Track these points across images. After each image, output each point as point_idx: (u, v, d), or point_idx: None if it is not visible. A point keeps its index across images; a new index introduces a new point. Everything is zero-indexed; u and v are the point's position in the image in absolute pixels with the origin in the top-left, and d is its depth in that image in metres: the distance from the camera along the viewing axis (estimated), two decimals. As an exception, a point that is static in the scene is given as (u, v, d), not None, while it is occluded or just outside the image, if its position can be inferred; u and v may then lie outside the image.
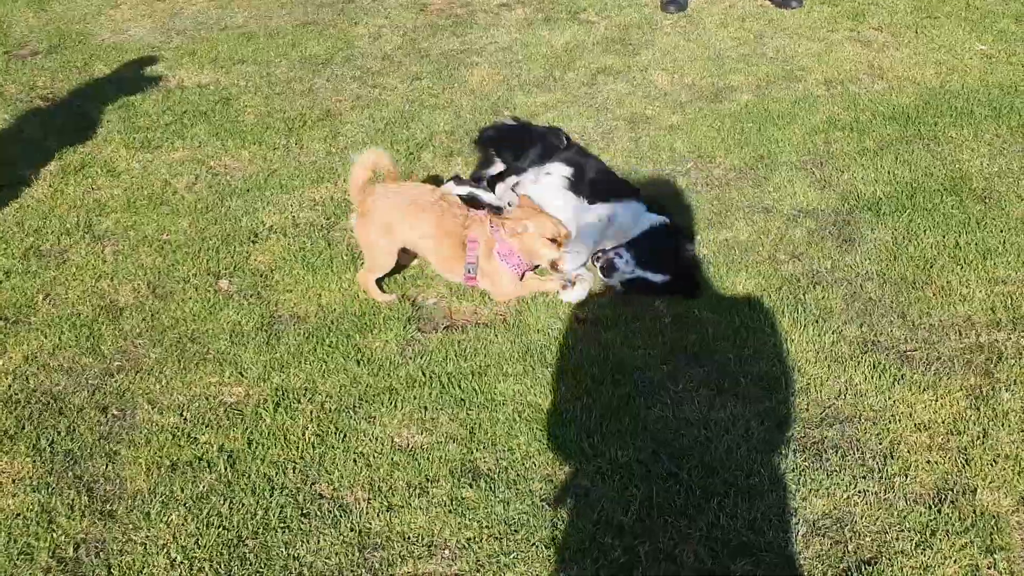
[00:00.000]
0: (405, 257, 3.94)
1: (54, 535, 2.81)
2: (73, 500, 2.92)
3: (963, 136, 4.85)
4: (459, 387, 3.34)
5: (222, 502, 2.92)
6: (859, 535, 2.75)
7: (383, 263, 3.79)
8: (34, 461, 3.07)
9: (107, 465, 3.06)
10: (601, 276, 3.86)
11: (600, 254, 3.89)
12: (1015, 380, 3.28)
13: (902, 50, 5.90)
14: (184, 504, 2.91)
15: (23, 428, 3.20)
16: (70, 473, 3.03)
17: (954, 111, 5.11)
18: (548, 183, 4.16)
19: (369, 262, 3.81)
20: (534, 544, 2.76)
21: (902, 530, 2.76)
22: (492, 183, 4.40)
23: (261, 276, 3.96)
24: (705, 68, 5.77)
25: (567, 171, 4.18)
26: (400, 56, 6.11)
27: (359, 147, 4.94)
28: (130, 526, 2.84)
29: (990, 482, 2.90)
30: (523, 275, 3.80)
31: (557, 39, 6.29)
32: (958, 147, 4.75)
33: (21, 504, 2.91)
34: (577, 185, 4.14)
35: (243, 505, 2.91)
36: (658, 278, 3.78)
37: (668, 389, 3.31)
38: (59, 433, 3.18)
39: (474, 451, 3.08)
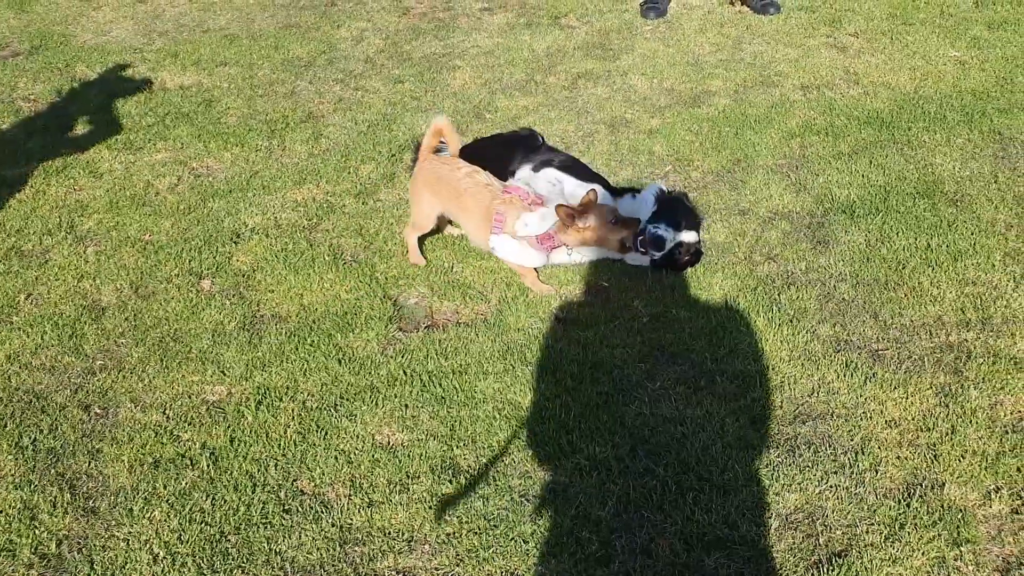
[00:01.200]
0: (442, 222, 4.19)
1: (36, 532, 2.83)
2: (56, 497, 2.95)
3: (936, 141, 4.94)
4: (440, 385, 3.38)
5: (204, 498, 2.95)
6: (830, 528, 2.82)
7: (422, 222, 4.07)
8: (16, 459, 3.09)
9: (90, 462, 3.09)
10: (653, 253, 3.93)
11: (640, 236, 3.94)
12: (983, 378, 3.35)
13: (877, 56, 6.00)
14: (167, 500, 2.94)
15: (5, 426, 3.22)
16: (53, 470, 3.05)
17: (927, 116, 5.20)
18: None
19: (412, 218, 4.11)
20: (513, 539, 2.80)
21: (872, 523, 2.83)
22: None
23: (243, 276, 3.99)
24: (684, 73, 5.84)
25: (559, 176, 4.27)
26: (382, 59, 6.16)
27: (341, 149, 4.99)
28: (113, 522, 2.87)
29: (958, 477, 2.97)
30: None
31: (538, 43, 6.35)
32: (931, 151, 4.84)
33: (3, 502, 2.93)
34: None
35: (225, 501, 2.94)
36: (692, 237, 3.94)
37: (646, 387, 3.37)
38: (42, 431, 3.20)
39: (454, 448, 3.13)
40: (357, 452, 3.12)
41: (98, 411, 3.30)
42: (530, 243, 3.85)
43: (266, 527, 2.86)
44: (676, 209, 3.99)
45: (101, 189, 4.65)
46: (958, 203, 4.39)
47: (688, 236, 3.94)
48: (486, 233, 3.90)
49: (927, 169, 4.68)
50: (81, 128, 5.27)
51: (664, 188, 4.15)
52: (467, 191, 3.92)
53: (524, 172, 4.30)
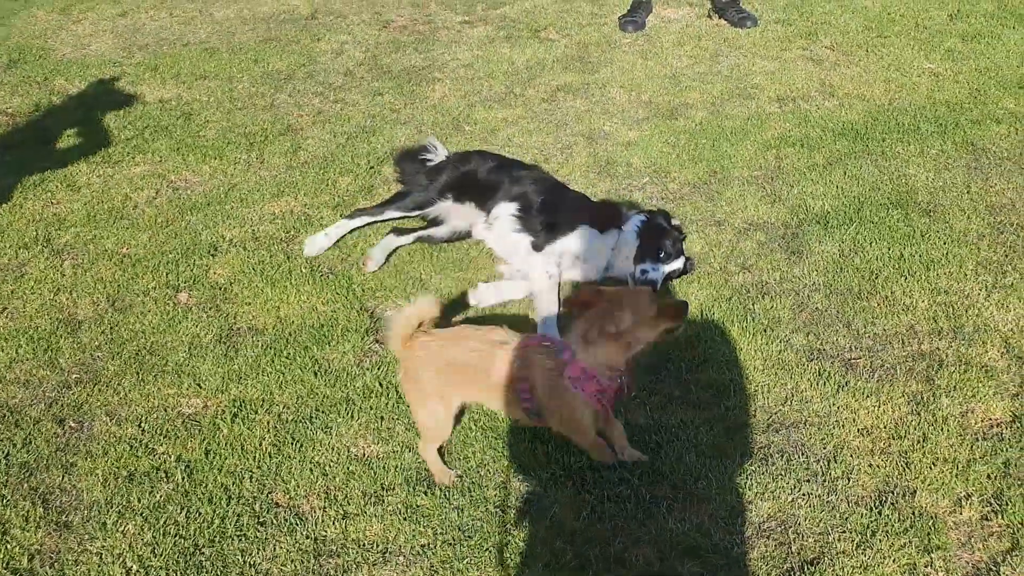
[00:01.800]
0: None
1: (8, 547, 2.82)
2: (28, 512, 2.94)
3: (910, 152, 5.00)
4: (416, 397, 3.39)
5: (179, 511, 2.95)
6: (802, 536, 2.84)
7: (438, 432, 3.07)
8: (-11, 473, 3.08)
9: (63, 476, 3.07)
10: None
11: (630, 279, 3.96)
12: (955, 386, 3.39)
13: (852, 68, 6.06)
14: (141, 514, 2.94)
15: (-22, 441, 3.21)
16: (25, 485, 3.04)
17: (901, 128, 5.26)
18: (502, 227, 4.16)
19: (421, 431, 3.10)
20: (487, 550, 2.81)
21: (844, 531, 2.85)
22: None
23: (220, 289, 3.99)
24: (662, 86, 5.89)
25: (514, 208, 4.17)
26: (362, 72, 6.18)
27: (320, 161, 5.00)
28: (86, 536, 2.86)
29: (929, 484, 3.00)
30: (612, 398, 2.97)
31: (518, 56, 6.38)
32: (905, 162, 4.90)
33: (-25, 516, 2.92)
34: (528, 220, 4.12)
35: (200, 514, 2.94)
36: (679, 264, 3.97)
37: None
38: (15, 445, 3.19)
39: (430, 459, 3.14)
40: (332, 464, 3.12)
41: (73, 425, 3.29)
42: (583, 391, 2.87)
43: (241, 539, 2.86)
44: (658, 239, 3.94)
45: (79, 202, 4.64)
46: (931, 213, 4.44)
47: (675, 264, 3.95)
48: (519, 411, 3.00)
49: (901, 180, 4.73)
50: (59, 142, 5.26)
51: (644, 218, 4.05)
52: (487, 369, 2.95)
53: (504, 209, 4.19)
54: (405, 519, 2.91)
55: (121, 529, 2.88)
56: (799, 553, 2.79)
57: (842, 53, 6.29)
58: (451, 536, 2.85)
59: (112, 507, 2.96)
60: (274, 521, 2.92)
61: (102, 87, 5.91)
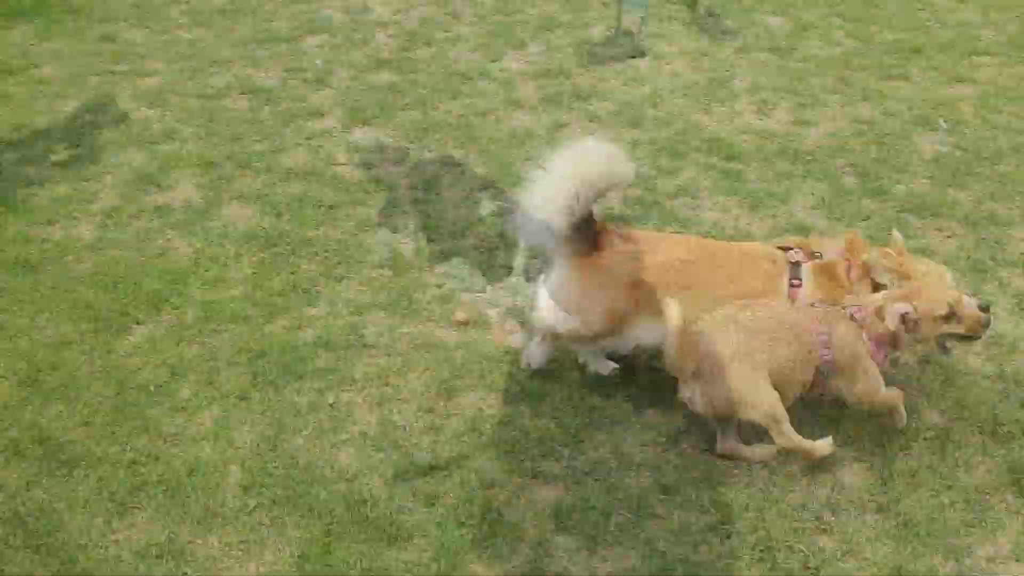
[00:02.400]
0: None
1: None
2: (9, 537, 2.92)
3: (894, 162, 5.05)
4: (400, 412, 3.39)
5: (162, 532, 2.93)
6: (790, 547, 2.87)
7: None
8: (-33, 499, 3.06)
9: (45, 500, 3.05)
10: None
11: None
12: (939, 395, 3.42)
13: (836, 80, 6.10)
14: (123, 535, 2.92)
15: (-43, 465, 3.18)
16: (6, 509, 3.01)
17: (885, 138, 5.31)
18: None
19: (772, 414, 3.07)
20: (470, 564, 2.81)
21: (830, 539, 2.87)
22: None
23: (204, 309, 3.97)
24: (645, 99, 5.91)
25: None
26: (349, 88, 6.17)
27: (304, 179, 4.98)
28: (67, 560, 2.84)
29: (913, 492, 3.01)
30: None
31: (504, 71, 6.39)
32: (889, 171, 4.95)
33: (-45, 541, 2.89)
34: None
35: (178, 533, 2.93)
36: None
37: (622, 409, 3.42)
38: (-5, 469, 3.17)
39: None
40: (316, 482, 3.11)
41: (54, 447, 3.27)
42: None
43: (226, 558, 2.85)
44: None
45: (60, 222, 4.61)
46: (916, 223, 4.48)
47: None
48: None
49: (885, 190, 4.78)
50: (41, 161, 5.23)
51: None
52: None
53: None
54: (389, 536, 2.90)
55: (103, 551, 2.86)
56: (784, 564, 2.80)
57: (825, 65, 6.33)
58: (433, 552, 2.85)
59: (94, 530, 2.94)
60: (258, 540, 2.90)
61: (84, 106, 5.89)
